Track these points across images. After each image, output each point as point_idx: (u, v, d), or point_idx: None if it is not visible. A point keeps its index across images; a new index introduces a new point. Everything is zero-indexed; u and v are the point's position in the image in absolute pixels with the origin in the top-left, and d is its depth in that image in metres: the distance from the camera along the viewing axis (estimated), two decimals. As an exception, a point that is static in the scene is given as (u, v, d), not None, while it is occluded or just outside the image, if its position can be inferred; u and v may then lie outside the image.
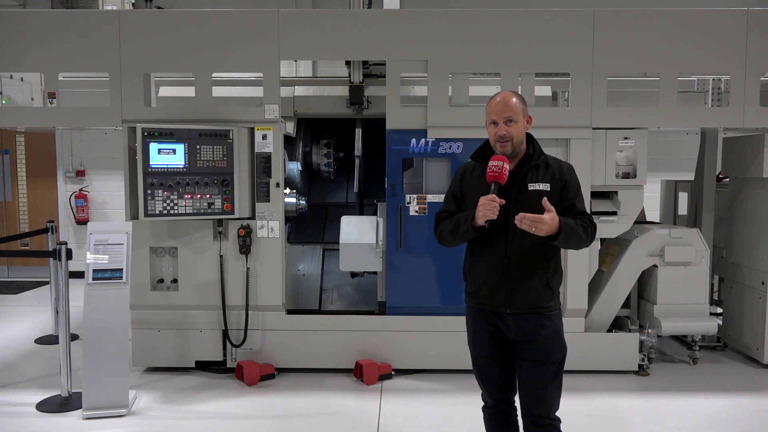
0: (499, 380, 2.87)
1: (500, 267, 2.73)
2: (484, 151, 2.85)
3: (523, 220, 2.55)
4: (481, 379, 2.92)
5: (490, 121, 2.76)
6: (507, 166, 2.65)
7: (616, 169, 4.91)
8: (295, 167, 5.68)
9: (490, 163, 2.66)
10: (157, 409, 4.32)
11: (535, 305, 2.74)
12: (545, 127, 4.60)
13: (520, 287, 2.72)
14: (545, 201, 2.59)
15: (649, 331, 4.98)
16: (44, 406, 4.30)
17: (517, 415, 2.93)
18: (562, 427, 2.83)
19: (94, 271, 4.18)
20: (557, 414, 2.82)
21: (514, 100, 2.73)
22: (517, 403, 2.88)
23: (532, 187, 2.73)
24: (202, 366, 5.04)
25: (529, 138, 2.83)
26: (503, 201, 2.62)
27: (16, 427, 4.05)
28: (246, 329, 4.89)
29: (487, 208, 2.59)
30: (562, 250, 2.83)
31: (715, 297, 6.07)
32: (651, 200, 6.11)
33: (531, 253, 2.71)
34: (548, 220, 2.54)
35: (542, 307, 2.75)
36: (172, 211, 4.66)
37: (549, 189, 2.73)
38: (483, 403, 2.97)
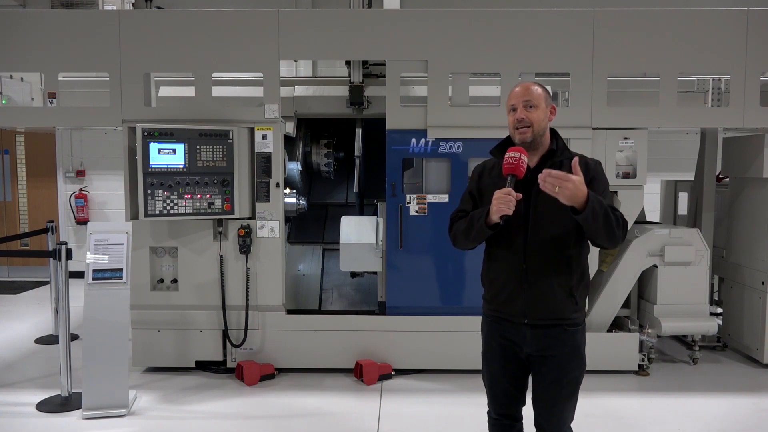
0: (505, 397, 2.73)
1: (517, 272, 2.54)
2: (504, 146, 2.63)
3: (548, 179, 2.30)
4: (488, 391, 2.79)
5: (509, 108, 2.57)
6: (525, 158, 2.45)
7: (616, 169, 4.91)
8: (295, 167, 5.68)
9: (507, 155, 2.46)
10: (157, 409, 4.32)
11: (555, 316, 2.54)
12: (545, 127, 4.59)
13: (539, 295, 2.52)
14: (575, 162, 2.35)
15: (649, 331, 4.98)
16: (44, 406, 4.30)
17: (522, 427, 2.82)
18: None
19: (94, 271, 4.18)
20: (571, 425, 2.71)
21: (536, 87, 2.57)
22: (524, 412, 2.78)
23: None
24: (202, 366, 5.04)
25: (553, 133, 2.64)
26: (520, 195, 2.40)
27: (16, 427, 4.05)
28: (246, 329, 4.89)
29: (502, 202, 2.37)
30: (589, 255, 2.62)
31: (715, 297, 6.06)
32: (651, 200, 6.11)
33: (552, 256, 2.50)
34: (576, 181, 2.29)
35: (563, 319, 2.54)
36: (172, 211, 4.66)
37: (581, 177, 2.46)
38: (487, 408, 2.86)
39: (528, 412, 2.76)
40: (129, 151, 4.81)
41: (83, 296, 4.18)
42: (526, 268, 2.53)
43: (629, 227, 4.94)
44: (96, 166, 9.10)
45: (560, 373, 2.58)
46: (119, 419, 4.12)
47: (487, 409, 2.89)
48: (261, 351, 4.97)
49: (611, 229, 2.40)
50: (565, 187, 2.29)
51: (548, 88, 2.73)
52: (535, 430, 2.73)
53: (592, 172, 2.56)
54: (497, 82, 5.10)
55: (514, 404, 2.75)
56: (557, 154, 2.58)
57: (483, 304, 2.77)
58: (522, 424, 2.83)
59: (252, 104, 5.07)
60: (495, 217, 2.43)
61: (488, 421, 2.89)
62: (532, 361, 2.63)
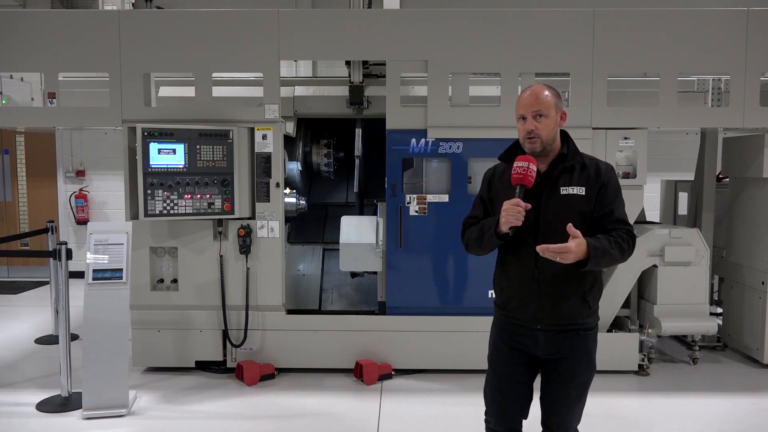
0: (507, 406, 2.68)
1: (529, 279, 2.53)
2: (513, 151, 2.61)
3: (546, 252, 2.33)
4: (488, 399, 2.74)
5: (518, 116, 2.53)
6: (533, 167, 2.44)
7: (616, 169, 4.90)
8: (295, 167, 5.68)
9: (515, 164, 2.46)
10: (157, 409, 4.32)
11: (569, 321, 2.54)
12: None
13: (552, 301, 2.52)
14: (570, 227, 2.34)
15: (649, 331, 4.98)
16: (44, 406, 4.30)
17: None
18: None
19: (94, 271, 4.18)
20: (578, 427, 2.70)
21: (546, 93, 2.50)
22: (524, 424, 2.75)
23: (564, 191, 2.51)
24: (202, 366, 5.04)
25: (564, 136, 2.60)
26: (529, 205, 2.41)
27: (16, 427, 4.05)
28: (246, 329, 4.89)
29: (510, 213, 2.38)
30: None
31: (715, 297, 6.07)
32: (651, 200, 6.11)
33: (563, 264, 2.40)
34: (574, 248, 2.31)
35: (577, 324, 2.54)
36: (172, 211, 4.66)
37: (584, 193, 2.51)
38: (485, 418, 2.80)
39: (532, 413, 2.76)
40: (129, 151, 4.81)
41: (83, 296, 4.17)
42: (538, 275, 2.52)
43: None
44: (96, 166, 9.10)
45: (570, 376, 2.58)
46: (119, 419, 4.12)
47: (484, 417, 2.81)
48: (261, 351, 4.97)
49: (615, 261, 2.49)
50: (566, 258, 2.33)
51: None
52: (541, 429, 2.72)
53: (604, 177, 2.54)
54: (497, 82, 5.10)
55: (516, 415, 2.71)
56: (568, 158, 2.55)
57: (495, 309, 2.75)
58: None
59: (252, 104, 5.07)
60: (504, 228, 2.43)
61: (486, 430, 2.82)
62: (544, 363, 2.63)
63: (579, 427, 2.72)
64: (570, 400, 2.61)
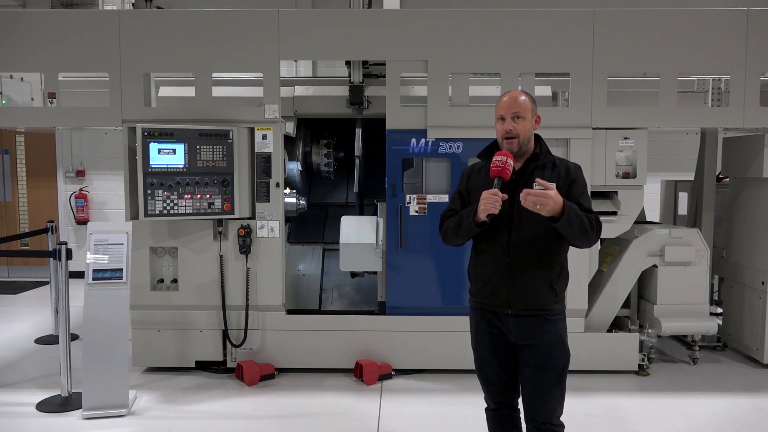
0: (500, 383, 2.83)
1: (502, 265, 2.70)
2: (491, 150, 2.81)
3: (528, 198, 2.49)
4: (482, 381, 2.89)
5: (498, 117, 2.74)
6: (511, 162, 2.63)
7: (616, 169, 4.91)
8: (295, 167, 5.68)
9: (494, 158, 2.64)
10: (157, 409, 4.32)
11: (537, 307, 2.69)
12: (545, 127, 4.53)
13: (522, 287, 2.68)
14: (540, 180, 2.55)
15: (649, 331, 4.98)
16: (44, 406, 4.30)
17: (520, 418, 2.90)
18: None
19: (94, 271, 4.18)
20: (561, 419, 2.78)
21: (523, 98, 2.73)
22: (521, 406, 2.85)
23: (537, 187, 2.65)
24: (202, 366, 5.04)
25: (537, 138, 2.81)
26: (505, 195, 2.59)
27: (16, 427, 4.05)
28: (246, 329, 4.89)
29: (489, 202, 2.56)
30: (568, 251, 2.78)
31: (715, 297, 6.07)
32: (651, 200, 6.11)
33: (534, 252, 2.67)
34: (553, 195, 2.49)
35: (545, 310, 2.70)
36: (172, 211, 4.66)
37: (555, 188, 2.65)
38: (485, 405, 2.95)
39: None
40: (129, 151, 4.81)
41: (83, 296, 4.18)
42: (511, 262, 2.70)
43: (629, 227, 4.96)
44: (96, 166, 9.10)
45: (545, 361, 2.70)
46: (119, 419, 4.12)
47: (485, 406, 2.94)
48: (261, 351, 4.97)
49: (585, 232, 2.62)
50: (545, 203, 2.49)
51: (538, 94, 2.80)
52: (526, 427, 2.81)
53: (573, 174, 2.76)
54: (497, 82, 5.10)
55: (510, 392, 2.85)
56: (540, 158, 2.76)
57: (469, 297, 2.90)
58: (520, 416, 2.90)
59: (252, 104, 5.07)
60: (482, 215, 2.60)
61: (487, 416, 2.95)
62: (519, 351, 2.75)
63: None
64: (548, 385, 2.72)
